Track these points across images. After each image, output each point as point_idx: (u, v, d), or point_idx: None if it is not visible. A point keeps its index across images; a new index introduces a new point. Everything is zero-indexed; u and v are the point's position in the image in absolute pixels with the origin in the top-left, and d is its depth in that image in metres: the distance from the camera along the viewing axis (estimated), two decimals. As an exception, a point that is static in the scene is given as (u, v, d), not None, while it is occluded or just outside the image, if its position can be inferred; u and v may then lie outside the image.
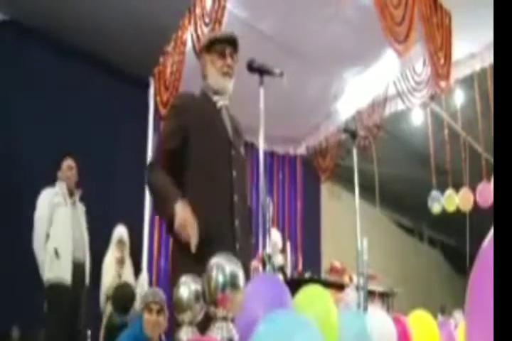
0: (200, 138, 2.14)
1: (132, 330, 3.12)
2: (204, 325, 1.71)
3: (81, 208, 4.27)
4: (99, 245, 4.75)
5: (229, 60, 2.25)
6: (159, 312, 3.09)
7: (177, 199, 1.95)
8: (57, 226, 3.97)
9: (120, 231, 5.02)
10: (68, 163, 4.23)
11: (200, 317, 1.78)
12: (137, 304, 4.22)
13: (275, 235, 5.86)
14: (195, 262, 1.86)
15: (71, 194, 4.18)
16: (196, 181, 2.10)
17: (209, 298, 1.61)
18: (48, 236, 3.93)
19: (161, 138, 2.23)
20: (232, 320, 1.66)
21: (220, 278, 1.59)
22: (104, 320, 4.60)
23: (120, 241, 4.98)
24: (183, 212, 1.90)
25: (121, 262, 4.94)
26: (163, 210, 2.03)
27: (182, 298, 1.76)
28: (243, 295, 1.64)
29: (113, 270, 4.85)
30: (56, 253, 3.84)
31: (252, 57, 2.34)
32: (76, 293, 3.92)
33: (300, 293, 2.22)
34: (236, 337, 1.61)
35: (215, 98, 2.26)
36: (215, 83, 2.25)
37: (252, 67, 2.33)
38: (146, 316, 3.05)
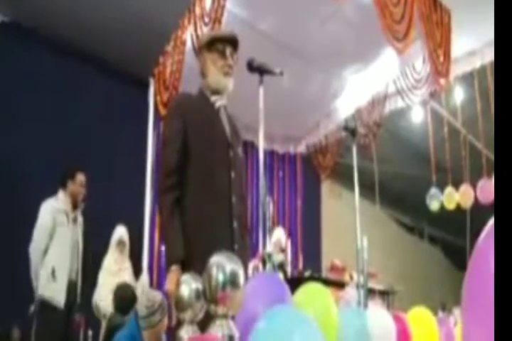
0: (199, 139, 2.13)
1: (129, 330, 3.09)
2: (204, 323, 1.71)
3: (80, 223, 4.23)
4: (99, 246, 4.74)
5: (230, 60, 2.23)
6: None
7: (177, 262, 1.96)
8: (58, 246, 3.96)
9: (120, 232, 5.00)
10: (81, 179, 4.20)
11: (201, 315, 1.78)
12: (139, 305, 4.21)
13: (280, 233, 5.86)
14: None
15: (75, 207, 4.17)
16: (195, 182, 2.10)
17: (209, 296, 1.62)
18: (46, 250, 3.92)
19: (162, 144, 2.23)
20: (233, 318, 1.66)
21: (221, 277, 1.60)
22: (104, 321, 4.59)
23: (120, 242, 4.96)
24: (170, 284, 1.91)
25: (121, 262, 4.93)
26: (166, 253, 2.09)
27: (183, 296, 1.76)
28: (243, 294, 1.64)
29: (112, 270, 4.84)
30: (53, 274, 3.87)
31: (252, 57, 2.33)
32: (67, 311, 3.95)
33: (300, 291, 2.23)
34: (236, 334, 1.61)
35: (214, 98, 2.23)
36: (216, 82, 2.22)
37: (252, 67, 2.32)
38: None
